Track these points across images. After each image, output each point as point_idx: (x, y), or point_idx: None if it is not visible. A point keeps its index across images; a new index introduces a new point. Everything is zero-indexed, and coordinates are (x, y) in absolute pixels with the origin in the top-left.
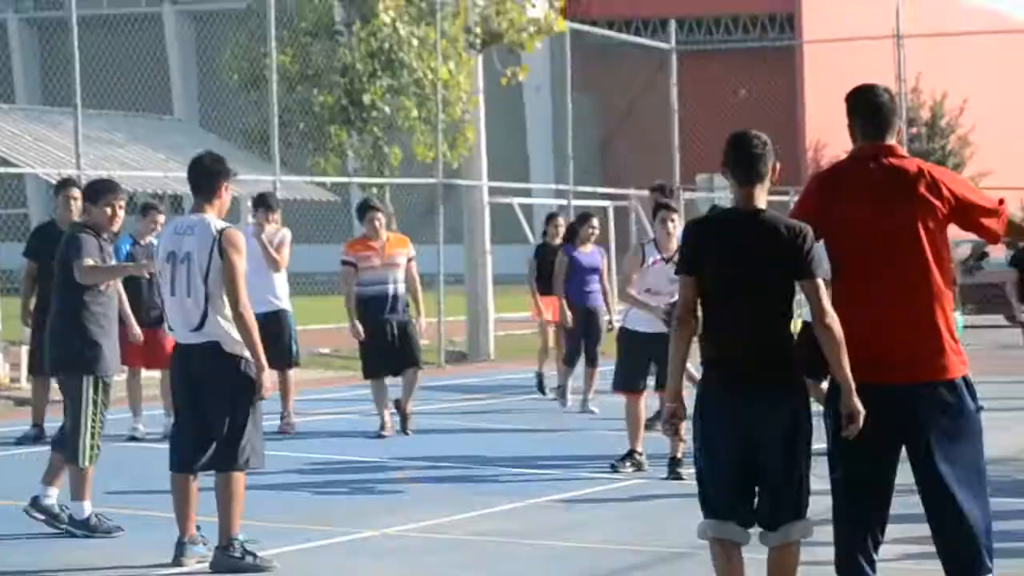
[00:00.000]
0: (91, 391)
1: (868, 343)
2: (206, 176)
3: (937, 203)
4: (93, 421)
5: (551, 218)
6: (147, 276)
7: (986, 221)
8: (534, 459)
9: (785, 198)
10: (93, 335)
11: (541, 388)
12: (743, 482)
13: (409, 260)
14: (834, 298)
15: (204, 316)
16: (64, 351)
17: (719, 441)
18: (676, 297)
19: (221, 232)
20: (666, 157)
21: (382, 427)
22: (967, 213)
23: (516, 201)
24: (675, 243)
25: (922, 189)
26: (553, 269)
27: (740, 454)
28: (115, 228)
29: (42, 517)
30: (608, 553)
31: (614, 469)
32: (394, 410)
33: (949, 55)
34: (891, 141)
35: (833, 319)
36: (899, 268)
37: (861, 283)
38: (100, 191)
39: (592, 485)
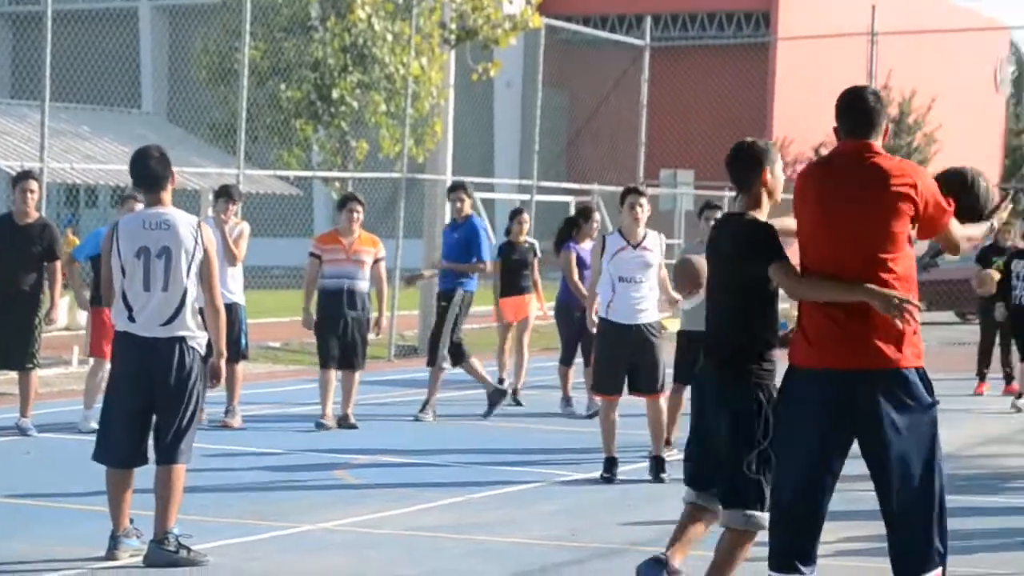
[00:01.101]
0: None
1: (826, 329)
2: (157, 168)
3: (910, 203)
4: None
5: (516, 214)
6: None
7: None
8: (477, 453)
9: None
10: None
11: (515, 398)
12: (707, 459)
13: (376, 261)
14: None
15: (178, 311)
16: None
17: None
18: (652, 285)
19: (199, 226)
20: (631, 153)
21: (322, 416)
22: (936, 220)
23: (479, 196)
24: (642, 229)
25: (897, 187)
26: (517, 268)
27: (704, 436)
28: None
29: None
30: (544, 549)
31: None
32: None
33: (920, 52)
34: (874, 141)
35: (800, 282)
36: (864, 260)
37: (827, 270)
38: None
39: (532, 480)
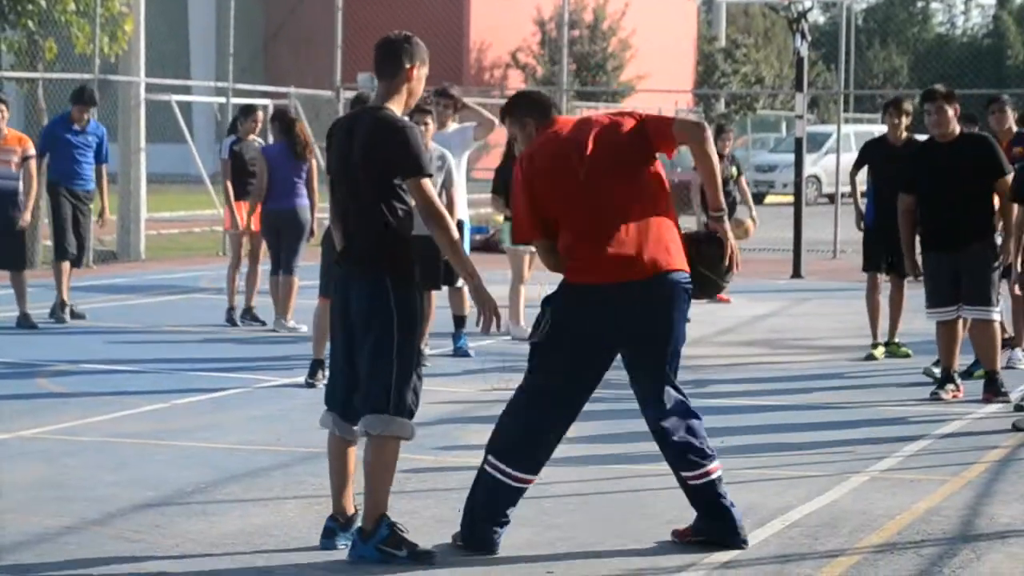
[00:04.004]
0: None
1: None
2: None
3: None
4: None
5: (250, 111)
6: None
7: None
8: (179, 360)
9: None
10: None
11: (234, 320)
12: (346, 371)
13: (26, 159)
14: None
15: None
16: None
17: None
18: None
19: None
20: (328, 56)
21: None
22: None
23: (174, 98)
24: None
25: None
26: (250, 169)
27: (341, 340)
28: None
29: None
30: (248, 454)
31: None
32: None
33: None
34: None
35: (431, 215)
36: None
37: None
38: None
39: (235, 386)
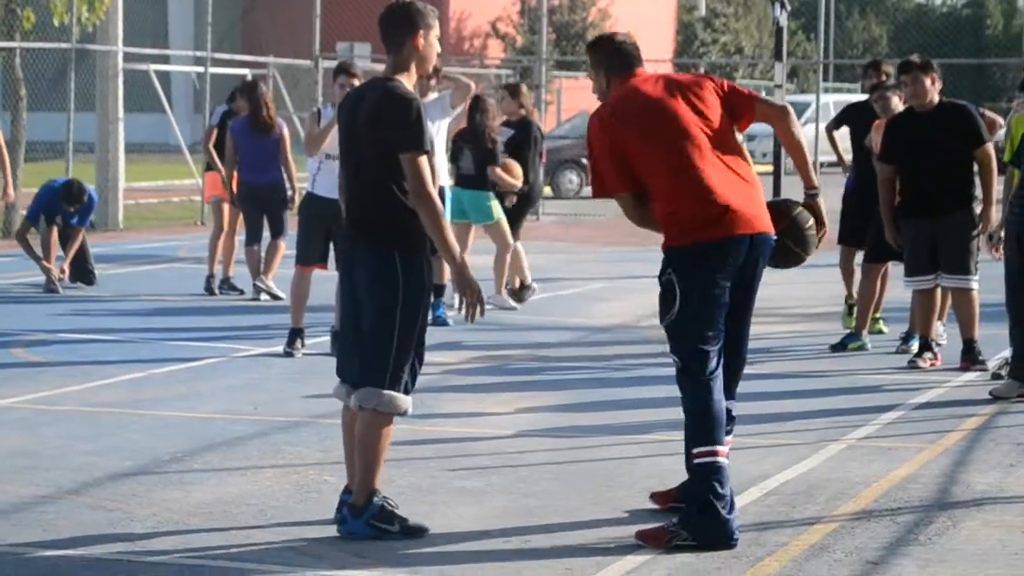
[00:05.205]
0: None
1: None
2: None
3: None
4: None
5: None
6: None
7: None
8: (157, 329)
9: None
10: None
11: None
12: (355, 342)
13: None
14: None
15: None
16: None
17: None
18: None
19: None
20: (306, 25)
21: None
22: None
23: (152, 68)
24: None
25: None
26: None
27: (351, 311)
28: None
29: None
30: (227, 422)
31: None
32: None
33: None
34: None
35: (420, 196)
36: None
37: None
38: None
39: (213, 355)
